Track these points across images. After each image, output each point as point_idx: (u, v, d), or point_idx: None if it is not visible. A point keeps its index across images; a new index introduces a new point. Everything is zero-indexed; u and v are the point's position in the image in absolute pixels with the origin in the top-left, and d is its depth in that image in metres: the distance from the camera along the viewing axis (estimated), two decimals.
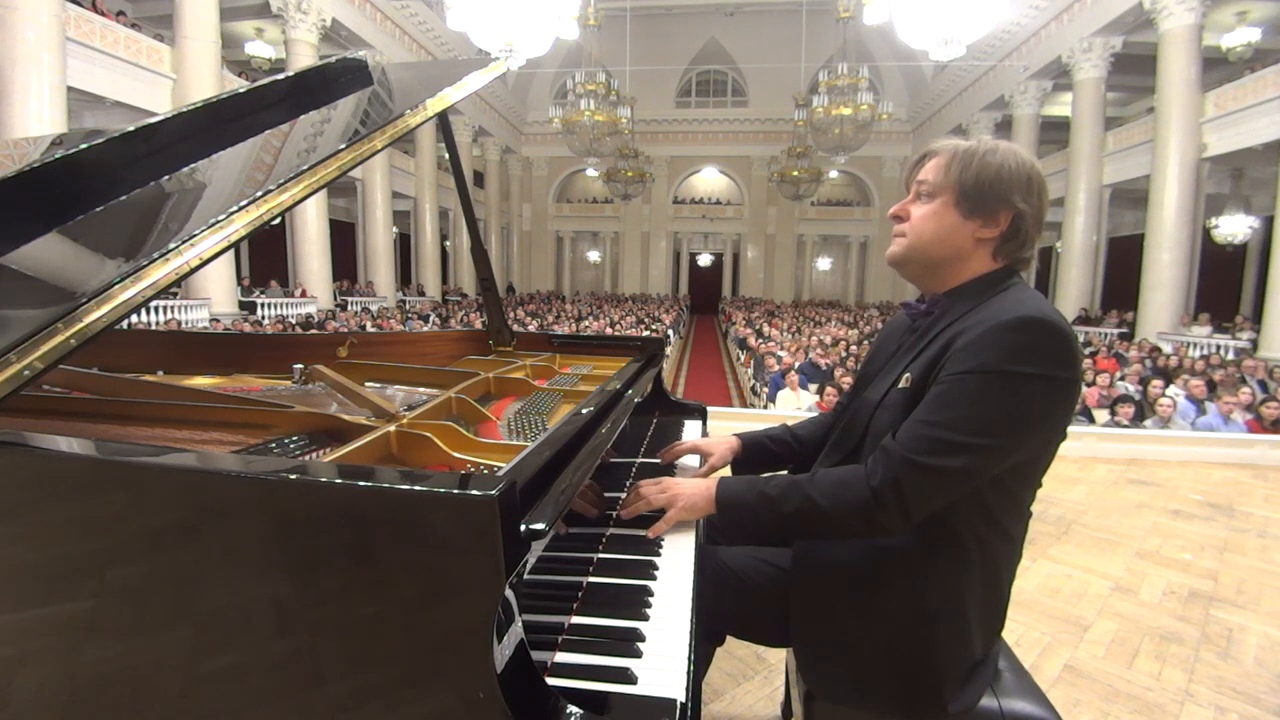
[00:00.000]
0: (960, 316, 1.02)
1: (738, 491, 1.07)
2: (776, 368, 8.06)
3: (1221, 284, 14.33)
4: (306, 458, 1.16)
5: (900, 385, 1.04)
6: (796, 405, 6.69)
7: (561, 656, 0.86)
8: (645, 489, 1.16)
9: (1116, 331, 13.27)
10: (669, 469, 1.53)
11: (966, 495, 0.96)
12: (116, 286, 0.80)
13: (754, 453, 1.42)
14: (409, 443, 1.18)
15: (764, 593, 1.15)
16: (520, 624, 0.72)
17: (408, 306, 17.00)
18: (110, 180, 1.03)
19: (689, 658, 0.88)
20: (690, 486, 1.13)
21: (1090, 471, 4.46)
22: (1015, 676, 1.11)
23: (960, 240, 1.06)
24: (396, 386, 1.85)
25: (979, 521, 0.99)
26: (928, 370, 1.00)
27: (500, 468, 0.93)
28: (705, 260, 29.05)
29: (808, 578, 1.10)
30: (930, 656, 1.00)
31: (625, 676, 0.82)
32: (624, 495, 1.33)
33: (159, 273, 0.84)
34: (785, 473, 1.08)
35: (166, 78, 10.79)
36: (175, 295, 10.63)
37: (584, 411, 1.18)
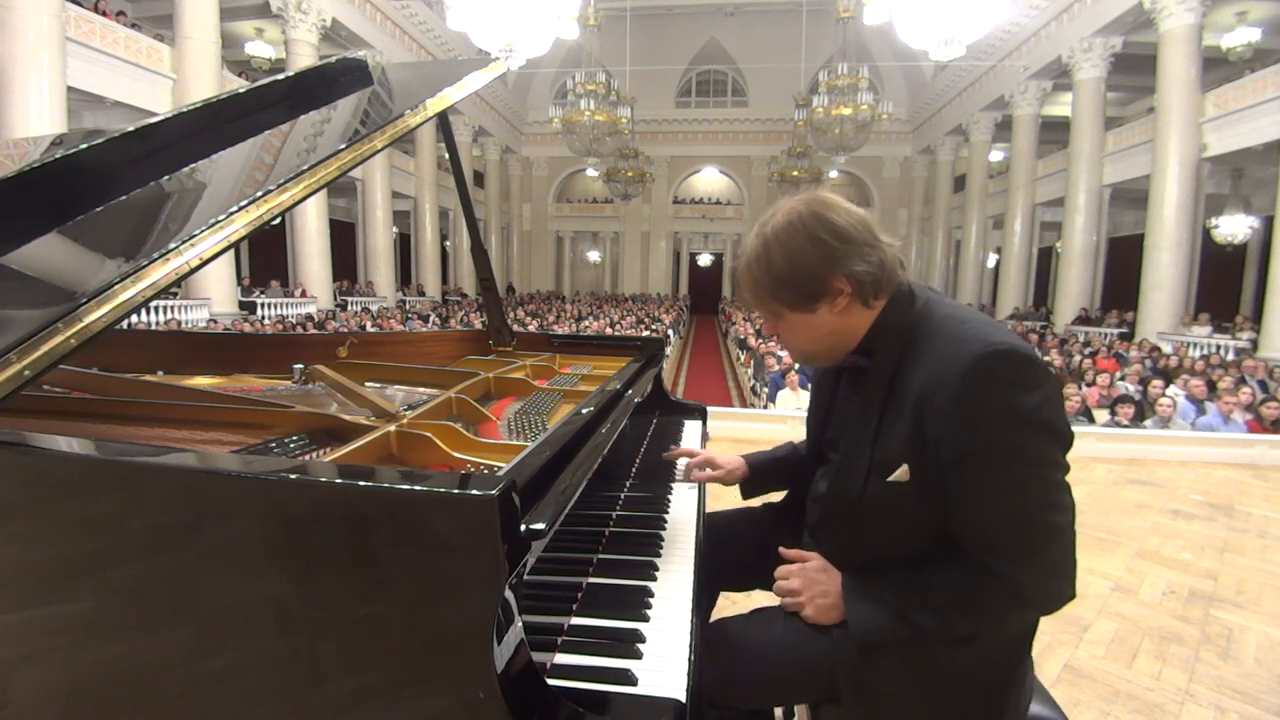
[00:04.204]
0: (895, 367, 0.97)
1: (869, 624, 0.98)
2: (776, 368, 8.05)
3: (1221, 284, 14.31)
4: (306, 458, 1.16)
5: (895, 478, 0.95)
6: (796, 405, 6.68)
7: (562, 657, 0.86)
8: (780, 576, 1.09)
9: (1116, 331, 13.27)
10: (669, 468, 1.54)
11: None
12: (116, 286, 0.80)
13: (763, 474, 1.39)
14: (409, 443, 1.18)
15: (796, 657, 1.04)
16: (520, 624, 0.72)
17: (408, 306, 16.99)
18: (110, 180, 1.03)
19: (689, 658, 0.88)
20: (814, 600, 1.03)
21: (1090, 471, 4.46)
22: None
23: (828, 326, 1.00)
24: (396, 386, 1.85)
25: None
26: (919, 453, 0.92)
27: (500, 468, 0.93)
28: (705, 260, 29.04)
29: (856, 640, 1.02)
30: (973, 673, 0.98)
31: (626, 677, 0.82)
32: (624, 497, 1.34)
33: (159, 273, 0.84)
34: (911, 591, 0.97)
35: (166, 78, 10.79)
36: (175, 295, 10.63)
37: (584, 411, 1.18)
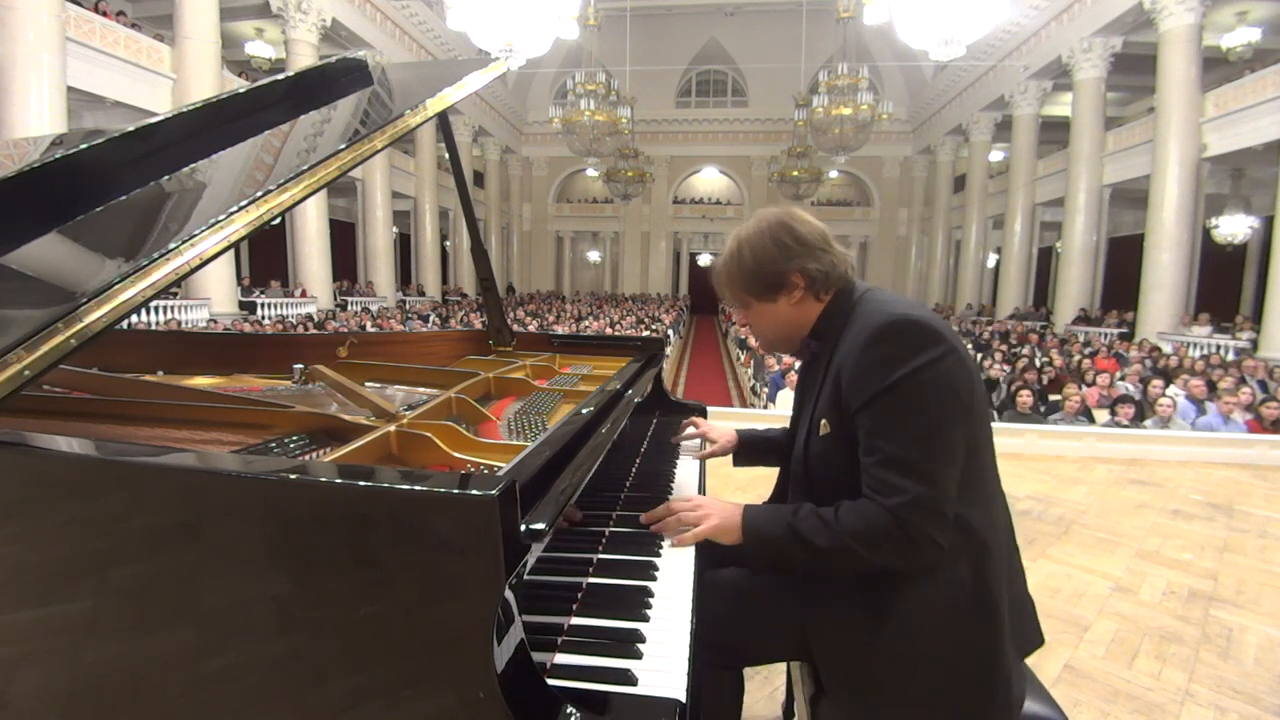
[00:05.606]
0: (834, 347, 1.10)
1: (765, 523, 1.09)
2: (776, 368, 8.05)
3: (1221, 284, 14.31)
4: (306, 458, 1.16)
5: (822, 433, 1.09)
6: None
7: (562, 657, 0.86)
8: (676, 505, 1.18)
9: (1116, 331, 13.26)
10: (672, 450, 1.65)
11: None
12: (117, 286, 0.80)
13: (751, 446, 1.52)
14: (409, 443, 1.18)
15: (773, 610, 1.13)
16: (520, 624, 0.71)
17: (408, 306, 16.99)
18: (110, 180, 1.03)
19: (689, 658, 0.88)
20: (721, 510, 1.14)
21: (1090, 471, 4.46)
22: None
23: (786, 315, 1.18)
24: (396, 386, 1.85)
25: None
26: (836, 409, 1.06)
27: (500, 468, 0.93)
28: (705, 260, 29.00)
29: (821, 589, 1.08)
30: (942, 655, 1.00)
31: (626, 677, 0.82)
32: (626, 496, 1.34)
33: (159, 273, 0.84)
34: (809, 505, 1.06)
35: (166, 78, 10.78)
36: (175, 295, 10.63)
37: (584, 411, 1.18)
